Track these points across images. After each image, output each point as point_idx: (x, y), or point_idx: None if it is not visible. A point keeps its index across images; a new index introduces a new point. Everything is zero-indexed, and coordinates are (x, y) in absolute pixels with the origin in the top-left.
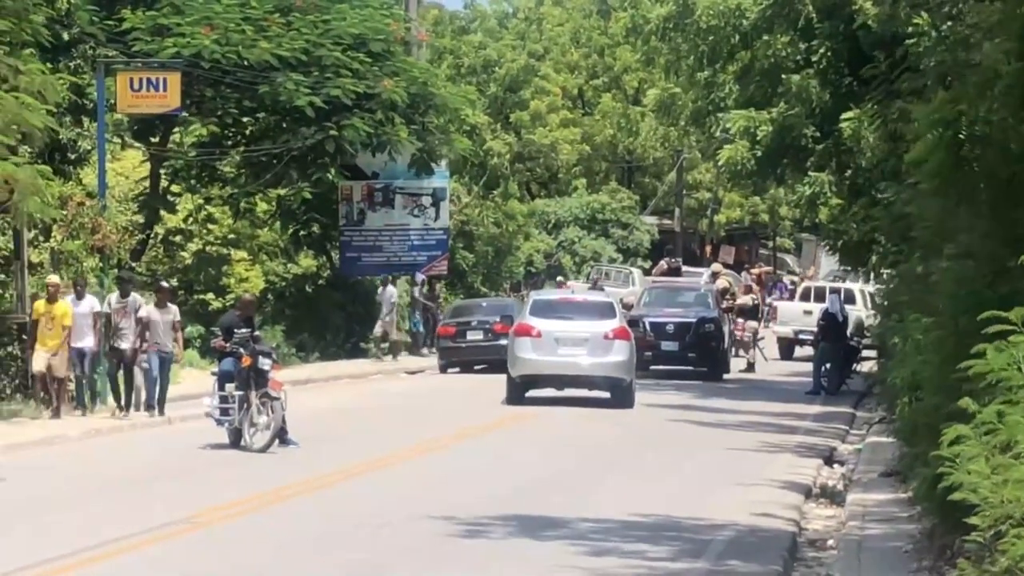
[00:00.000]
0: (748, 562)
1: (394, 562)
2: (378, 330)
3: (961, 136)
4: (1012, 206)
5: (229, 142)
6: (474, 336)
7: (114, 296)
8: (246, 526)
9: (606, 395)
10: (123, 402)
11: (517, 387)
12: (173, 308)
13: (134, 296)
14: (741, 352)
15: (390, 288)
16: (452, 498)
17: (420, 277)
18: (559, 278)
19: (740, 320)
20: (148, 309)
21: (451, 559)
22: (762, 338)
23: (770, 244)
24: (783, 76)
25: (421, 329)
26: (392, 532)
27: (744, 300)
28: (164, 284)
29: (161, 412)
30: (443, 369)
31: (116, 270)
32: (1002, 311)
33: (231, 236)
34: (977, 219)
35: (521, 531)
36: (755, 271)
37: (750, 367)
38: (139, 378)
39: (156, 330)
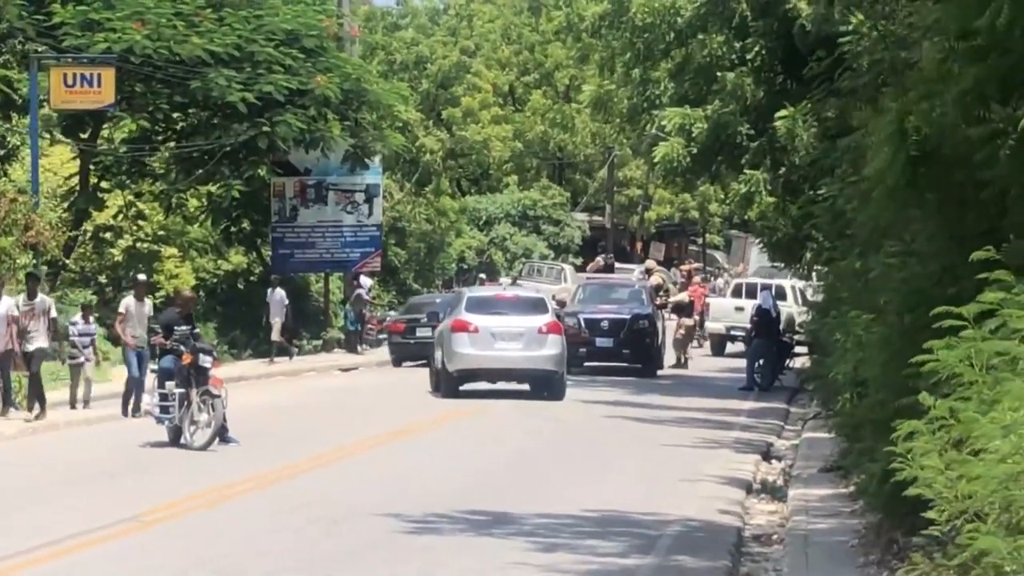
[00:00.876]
0: (697, 557)
1: (349, 558)
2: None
3: (915, 147)
4: (961, 207)
5: (160, 138)
6: (423, 332)
7: (22, 297)
8: (197, 523)
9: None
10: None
11: (453, 380)
12: (149, 303)
13: (42, 297)
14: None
15: (279, 291)
16: (399, 495)
17: (367, 282)
18: (481, 275)
19: (675, 317)
20: (127, 303)
21: (405, 556)
22: (702, 336)
23: (700, 241)
24: (718, 74)
25: (358, 327)
26: (343, 529)
27: (680, 297)
28: (141, 277)
29: (136, 410)
30: (396, 363)
31: (45, 267)
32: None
33: (161, 233)
34: (926, 219)
35: (471, 528)
36: (684, 267)
37: (683, 363)
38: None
39: (135, 324)
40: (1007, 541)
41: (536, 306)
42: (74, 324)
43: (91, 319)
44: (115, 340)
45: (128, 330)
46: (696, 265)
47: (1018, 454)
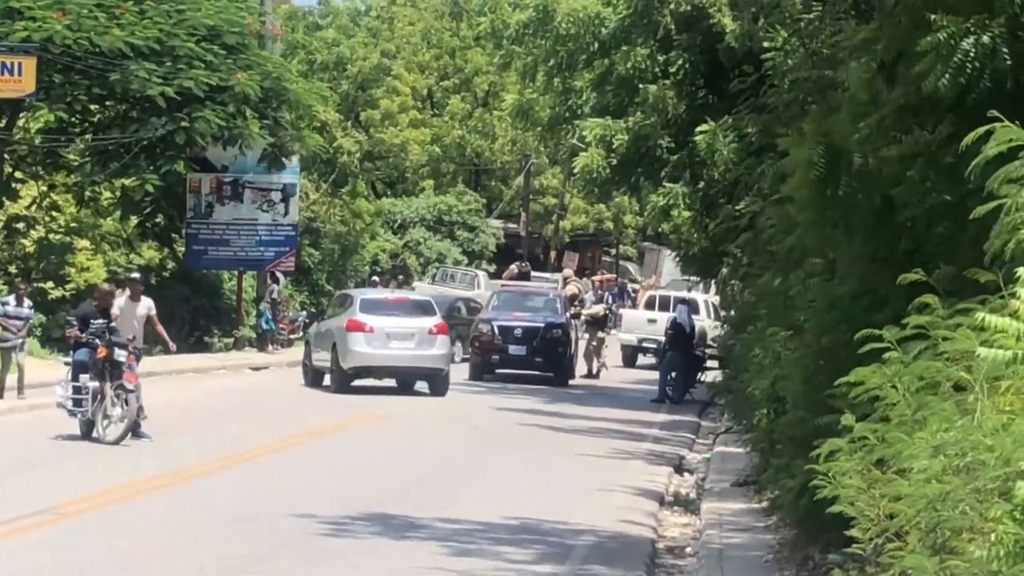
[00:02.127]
0: (611, 567)
1: (262, 560)
2: None
3: (833, 172)
4: (884, 228)
5: (77, 130)
6: None
7: None
8: (112, 517)
9: (423, 385)
10: None
11: (347, 377)
12: (147, 301)
13: None
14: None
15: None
16: (314, 496)
17: (282, 280)
18: (374, 278)
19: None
20: (119, 303)
21: (318, 558)
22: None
23: (613, 252)
24: (640, 86)
25: (272, 327)
26: (256, 529)
27: (596, 309)
28: (135, 275)
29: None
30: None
31: None
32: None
33: (74, 225)
34: (849, 241)
35: (386, 532)
36: (596, 278)
37: (594, 373)
38: None
39: (125, 325)
40: (933, 561)
41: (425, 308)
42: (4, 304)
43: (25, 302)
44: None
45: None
46: (609, 276)
47: (947, 474)
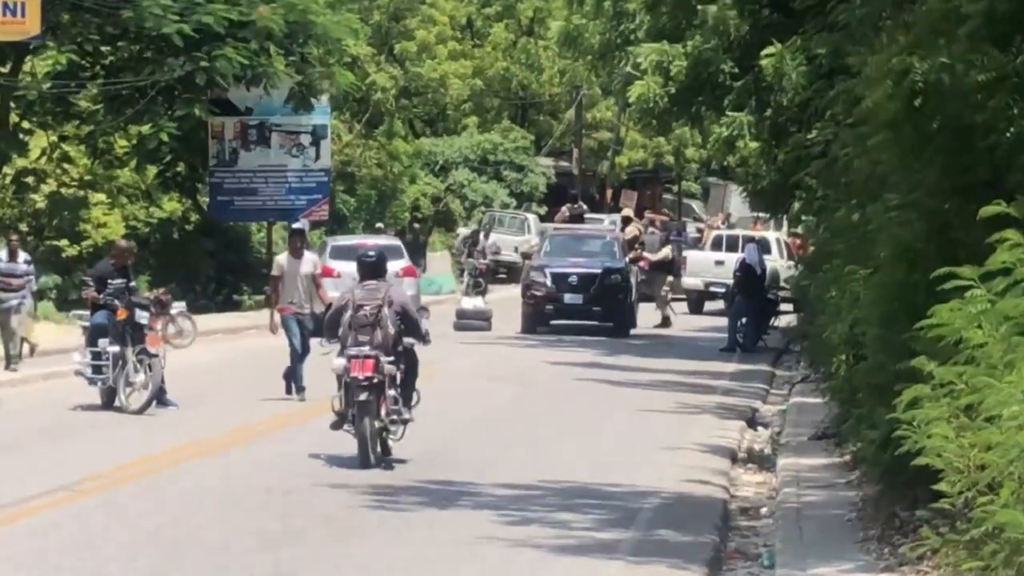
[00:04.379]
0: (680, 531)
1: (303, 533)
2: None
3: (918, 86)
4: (964, 153)
5: (87, 74)
6: None
7: None
8: (137, 493)
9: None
10: None
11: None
12: (312, 256)
13: None
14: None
15: None
16: (352, 464)
17: (304, 223)
18: (378, 225)
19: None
20: (279, 260)
21: (364, 530)
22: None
23: (675, 189)
24: (698, 6)
25: None
26: (294, 501)
27: (664, 252)
28: (297, 226)
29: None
30: None
31: None
32: (950, 267)
33: (88, 178)
34: (926, 170)
35: (432, 500)
36: (651, 216)
37: (665, 322)
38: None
39: (293, 286)
40: None
41: (393, 252)
42: None
43: (21, 256)
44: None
45: (285, 296)
46: (661, 215)
47: None
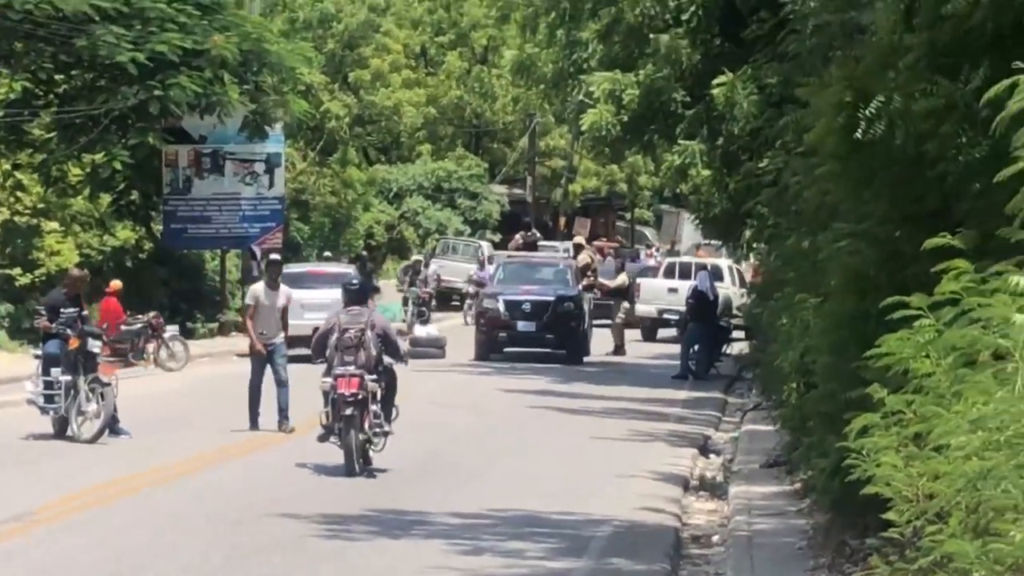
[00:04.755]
0: (632, 560)
1: (253, 563)
2: None
3: (861, 117)
4: (913, 183)
5: (41, 102)
6: None
7: None
8: (89, 522)
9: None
10: None
11: None
12: (286, 289)
13: None
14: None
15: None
16: (305, 493)
17: (259, 251)
18: (326, 253)
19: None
20: (255, 291)
21: (315, 559)
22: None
23: (628, 216)
24: (650, 36)
25: None
26: (246, 530)
27: (621, 279)
28: (275, 257)
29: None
30: None
31: None
32: (900, 296)
33: (41, 206)
34: (875, 201)
35: (385, 529)
36: (596, 244)
37: (619, 349)
38: None
39: (266, 317)
40: (975, 544)
41: (342, 279)
42: None
43: None
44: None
45: (257, 326)
46: (610, 243)
47: (988, 450)
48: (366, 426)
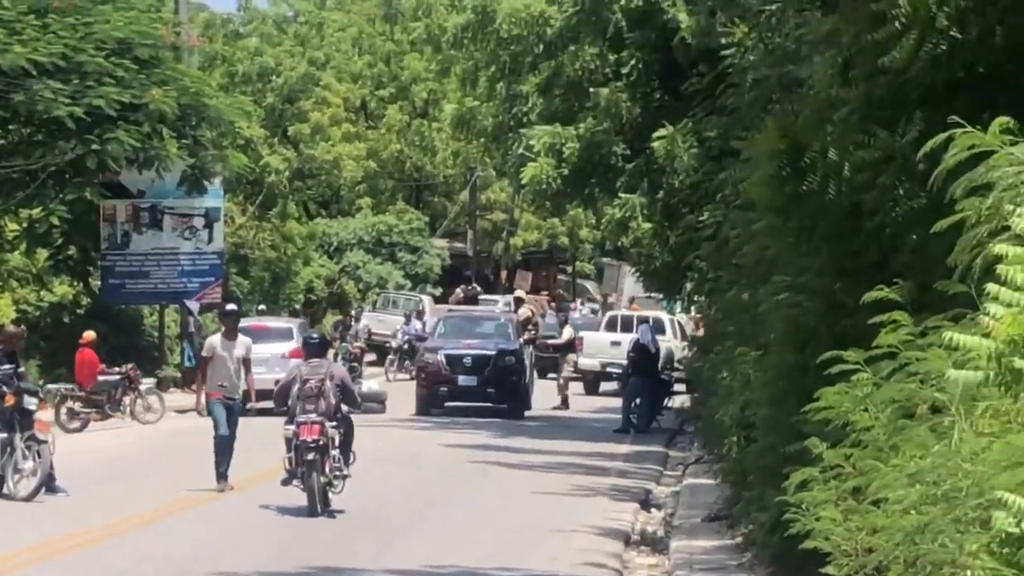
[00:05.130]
0: None
1: None
2: None
3: (797, 169)
4: (851, 236)
5: None
6: None
7: None
8: None
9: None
10: None
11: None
12: (245, 340)
13: None
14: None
15: None
16: (242, 551)
17: (195, 305)
18: (260, 307)
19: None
20: (211, 342)
21: None
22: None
23: (569, 269)
24: (591, 89)
25: (195, 364)
26: None
27: (568, 333)
28: (231, 307)
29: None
30: None
31: None
32: (837, 349)
33: None
34: (814, 254)
35: None
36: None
37: (564, 403)
38: None
39: (220, 371)
40: None
41: (283, 334)
42: None
43: None
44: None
45: (215, 378)
46: (543, 297)
47: (925, 504)
48: (327, 469)
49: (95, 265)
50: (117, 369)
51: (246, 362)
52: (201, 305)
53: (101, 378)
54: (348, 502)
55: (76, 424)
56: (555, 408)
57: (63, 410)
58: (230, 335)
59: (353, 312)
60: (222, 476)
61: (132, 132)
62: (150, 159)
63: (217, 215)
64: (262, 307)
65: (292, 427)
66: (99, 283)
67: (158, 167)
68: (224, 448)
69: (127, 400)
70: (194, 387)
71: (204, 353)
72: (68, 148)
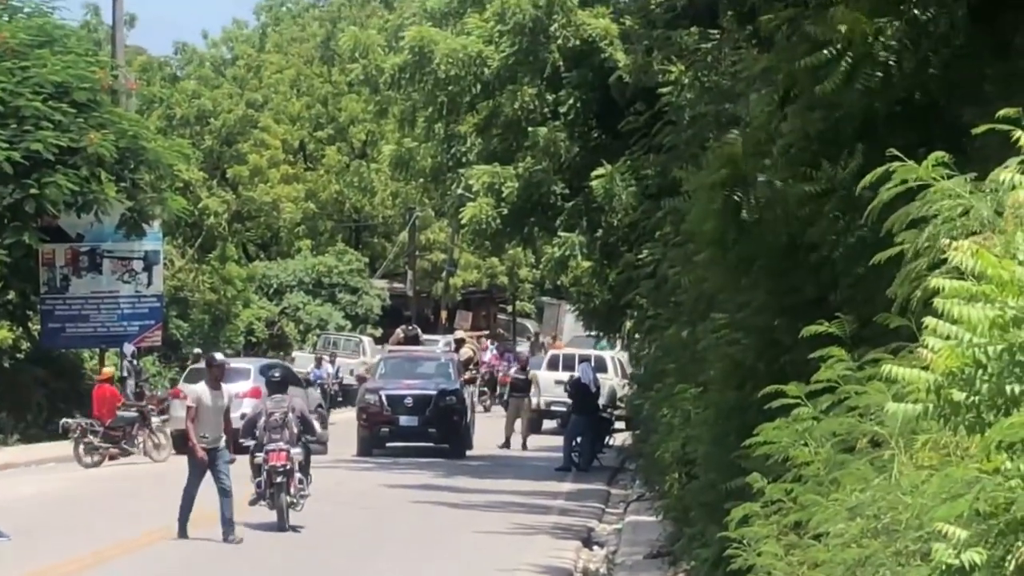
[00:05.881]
0: None
1: None
2: None
3: (738, 199)
4: (790, 271)
5: None
6: None
7: None
8: None
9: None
10: None
11: (176, 442)
12: (228, 389)
13: None
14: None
15: None
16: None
17: (130, 348)
18: (196, 350)
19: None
20: (197, 392)
21: None
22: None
23: (509, 309)
24: (529, 129)
25: None
26: None
27: (532, 374)
28: (219, 357)
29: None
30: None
31: None
32: (778, 384)
33: None
34: (753, 289)
35: None
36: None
37: (524, 444)
38: None
39: (207, 422)
40: None
41: (241, 374)
42: None
43: None
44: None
45: (199, 429)
46: (482, 333)
47: (866, 537)
48: (292, 490)
49: (34, 309)
50: (133, 406)
51: (227, 412)
52: (138, 349)
53: (120, 413)
54: (287, 545)
55: (94, 459)
56: (521, 448)
57: (81, 445)
58: (215, 385)
59: (326, 357)
60: (229, 530)
61: (70, 176)
62: (88, 203)
63: (156, 258)
64: (198, 350)
65: (261, 454)
66: (39, 327)
67: (97, 211)
68: (191, 502)
69: (141, 437)
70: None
71: (189, 403)
72: (6, 192)
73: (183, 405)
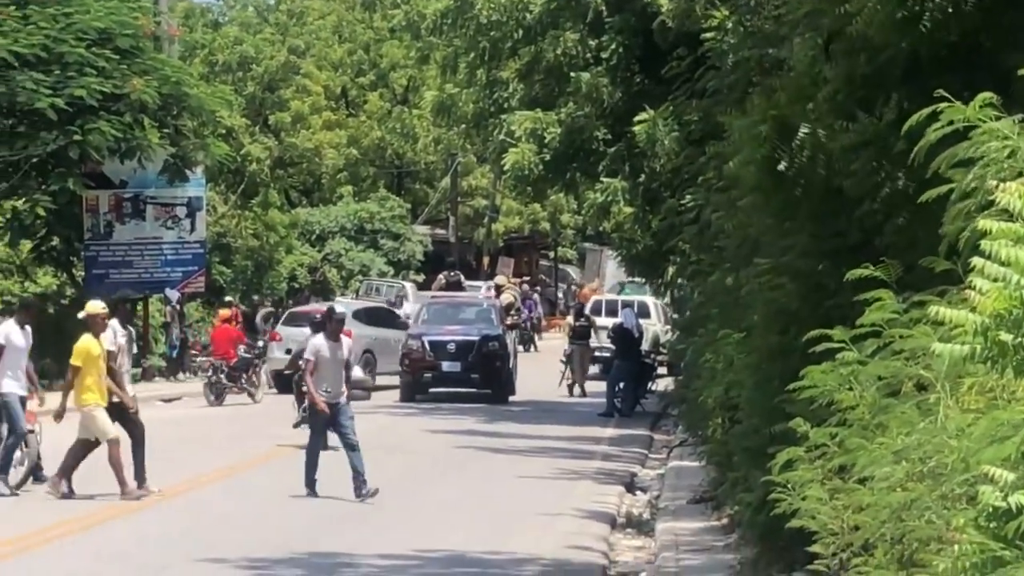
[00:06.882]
0: None
1: None
2: None
3: (781, 149)
4: (833, 218)
5: None
6: None
7: None
8: (16, 570)
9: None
10: None
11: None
12: (348, 341)
13: None
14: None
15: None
16: (230, 538)
17: (175, 294)
18: (227, 298)
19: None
20: (317, 345)
21: None
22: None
23: (551, 255)
24: (571, 74)
25: (177, 352)
26: (174, 573)
27: (596, 320)
28: (337, 309)
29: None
30: None
31: None
32: (823, 329)
33: None
34: (796, 234)
35: (312, 572)
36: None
37: (581, 391)
38: None
39: (329, 374)
40: (900, 575)
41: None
42: None
43: None
44: None
45: (320, 383)
46: (524, 279)
47: (911, 481)
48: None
49: (78, 256)
50: (252, 347)
51: (347, 365)
52: (182, 294)
53: (243, 355)
54: (338, 488)
55: (215, 396)
56: (579, 396)
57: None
58: (335, 337)
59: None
60: (361, 486)
61: (114, 122)
62: (132, 149)
63: (199, 204)
64: (229, 298)
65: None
66: (83, 274)
67: (140, 157)
68: (316, 458)
69: (253, 376)
70: (181, 376)
71: (308, 355)
72: (50, 139)
73: (281, 347)
